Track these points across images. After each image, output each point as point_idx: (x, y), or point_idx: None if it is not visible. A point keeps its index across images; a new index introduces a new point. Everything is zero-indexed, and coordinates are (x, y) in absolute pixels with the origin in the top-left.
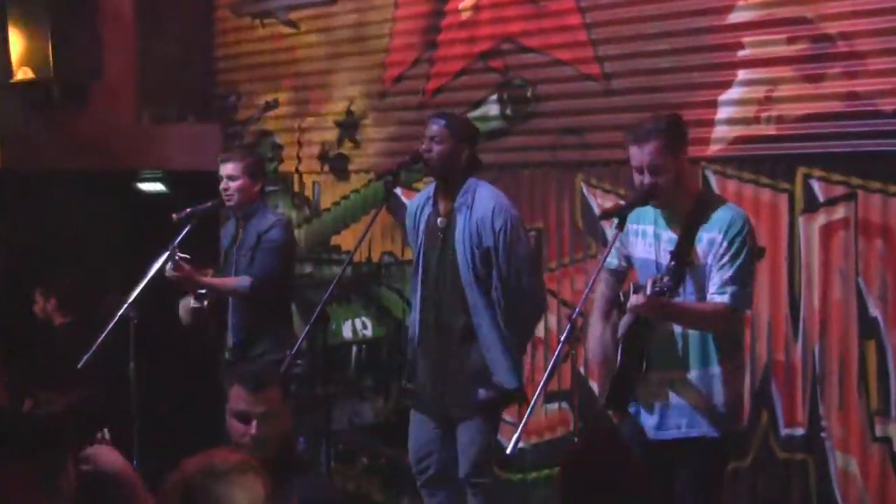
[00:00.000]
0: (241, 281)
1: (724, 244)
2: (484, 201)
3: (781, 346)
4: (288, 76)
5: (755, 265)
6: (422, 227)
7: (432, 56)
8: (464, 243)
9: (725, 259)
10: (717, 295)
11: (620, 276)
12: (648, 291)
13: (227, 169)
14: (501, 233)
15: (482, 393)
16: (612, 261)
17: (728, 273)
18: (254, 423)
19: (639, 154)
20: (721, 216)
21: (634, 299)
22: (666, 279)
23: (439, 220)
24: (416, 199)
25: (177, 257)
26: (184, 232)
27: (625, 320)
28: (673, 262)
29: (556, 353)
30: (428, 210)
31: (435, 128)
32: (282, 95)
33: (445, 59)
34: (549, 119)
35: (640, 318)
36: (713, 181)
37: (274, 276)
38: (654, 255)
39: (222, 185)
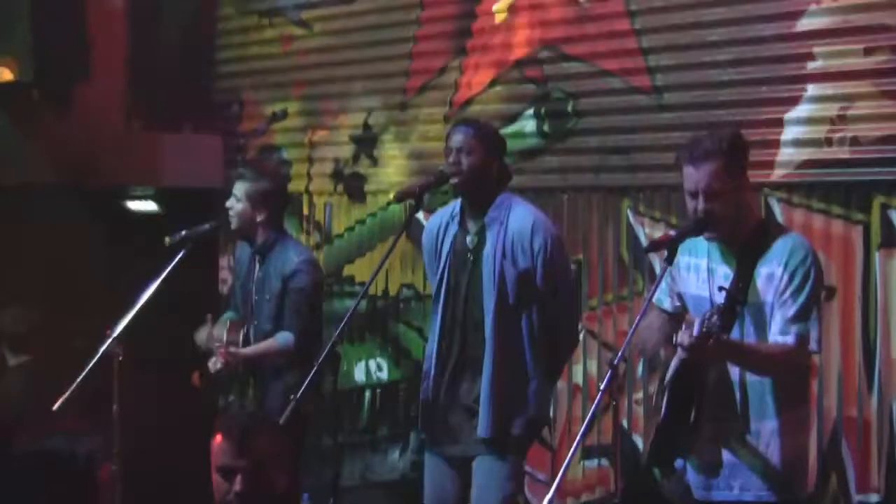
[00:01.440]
0: (284, 341)
1: (785, 278)
2: (520, 217)
3: (854, 400)
4: (298, 83)
5: (823, 302)
6: (446, 248)
7: (462, 63)
8: (493, 262)
9: (787, 295)
10: (780, 336)
11: (675, 318)
12: (695, 332)
13: (235, 187)
14: (541, 253)
15: (517, 426)
16: (663, 299)
17: (791, 310)
18: (238, 478)
19: (694, 176)
20: (782, 246)
21: (681, 337)
22: (714, 318)
23: (468, 238)
24: (438, 217)
25: (216, 346)
26: (178, 257)
27: (672, 363)
28: (724, 301)
29: (596, 402)
30: (454, 229)
31: (461, 137)
32: (291, 105)
33: (476, 67)
34: (592, 137)
35: (690, 360)
36: (777, 210)
37: (313, 325)
38: (709, 293)
39: (228, 203)
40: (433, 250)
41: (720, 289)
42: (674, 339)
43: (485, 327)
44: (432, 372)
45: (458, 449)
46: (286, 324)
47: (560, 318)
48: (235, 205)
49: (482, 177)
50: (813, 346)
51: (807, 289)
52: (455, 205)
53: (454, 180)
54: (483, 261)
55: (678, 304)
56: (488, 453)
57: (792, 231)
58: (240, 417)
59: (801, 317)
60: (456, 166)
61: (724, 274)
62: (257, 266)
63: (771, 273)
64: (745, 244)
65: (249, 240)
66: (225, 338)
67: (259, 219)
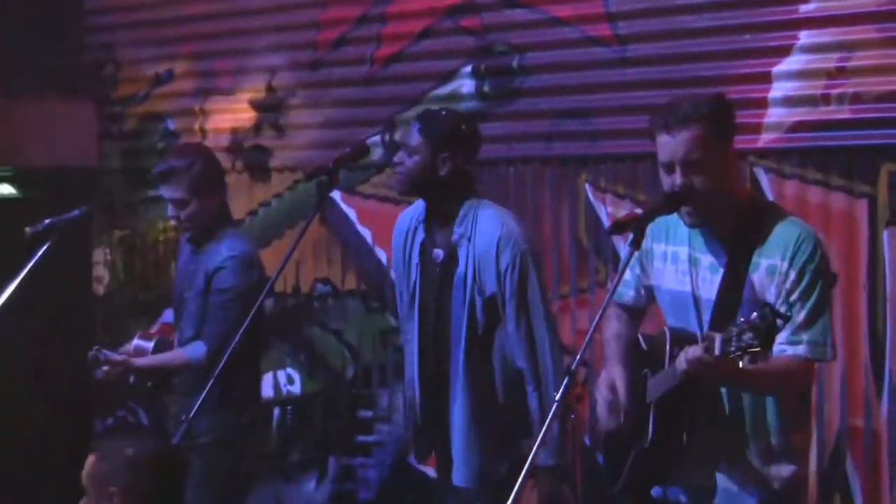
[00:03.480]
0: (193, 353)
1: (792, 275)
2: (486, 230)
3: (860, 408)
4: (186, 38)
5: (832, 298)
6: (415, 257)
7: (384, 12)
8: (462, 288)
9: (796, 295)
10: (790, 346)
11: (637, 313)
12: (717, 351)
13: (167, 191)
14: (508, 273)
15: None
16: (627, 292)
17: (801, 315)
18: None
19: (670, 145)
20: (783, 235)
21: (693, 356)
22: (748, 336)
23: (436, 251)
24: (407, 216)
25: (100, 356)
26: (41, 251)
27: (657, 381)
28: (756, 314)
29: (551, 414)
30: (421, 236)
31: (406, 132)
32: (178, 65)
33: (402, 16)
34: (542, 99)
35: (688, 380)
36: (765, 182)
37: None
38: (691, 287)
39: (170, 212)
40: (401, 256)
41: (764, 306)
42: (641, 344)
43: (451, 359)
44: (418, 399)
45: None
46: (204, 331)
47: (539, 351)
48: (182, 212)
49: (428, 181)
50: (829, 354)
51: (818, 289)
52: (419, 203)
53: (392, 181)
54: (454, 285)
55: (643, 298)
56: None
57: (791, 215)
58: (117, 436)
59: (812, 322)
60: (398, 165)
61: (711, 265)
62: (192, 258)
63: (772, 266)
64: (736, 229)
65: (197, 236)
66: (135, 343)
67: (214, 205)
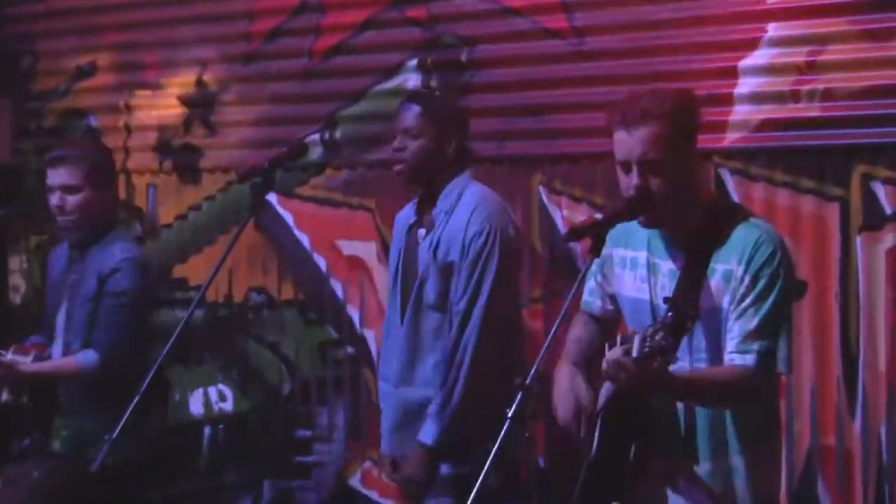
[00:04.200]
0: (85, 360)
1: (747, 280)
2: (464, 206)
3: (832, 425)
4: (110, 28)
5: (792, 308)
6: (401, 243)
7: (323, 1)
8: (427, 258)
9: (748, 301)
10: (738, 355)
11: (609, 324)
12: (635, 353)
13: (59, 176)
14: (473, 241)
15: (444, 469)
16: (594, 302)
17: (753, 322)
18: None
19: (627, 143)
20: (742, 238)
21: (611, 357)
22: (660, 336)
23: (419, 231)
24: (405, 211)
25: None
26: None
27: (605, 389)
28: (671, 312)
29: (502, 433)
30: (410, 221)
31: (407, 117)
32: (101, 57)
33: (343, 5)
34: (493, 94)
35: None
36: (731, 184)
37: (130, 342)
38: (649, 295)
39: (55, 201)
40: (395, 245)
41: (665, 300)
42: (607, 353)
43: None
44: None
45: None
46: (95, 337)
47: (476, 325)
48: (70, 198)
49: (433, 163)
50: (781, 366)
51: (774, 294)
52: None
53: (397, 168)
54: (420, 256)
55: (611, 308)
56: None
57: (755, 217)
58: (33, 463)
59: (765, 330)
60: (399, 152)
61: (670, 271)
62: (75, 266)
63: (728, 271)
64: (695, 233)
65: (79, 235)
66: (10, 358)
67: (104, 202)
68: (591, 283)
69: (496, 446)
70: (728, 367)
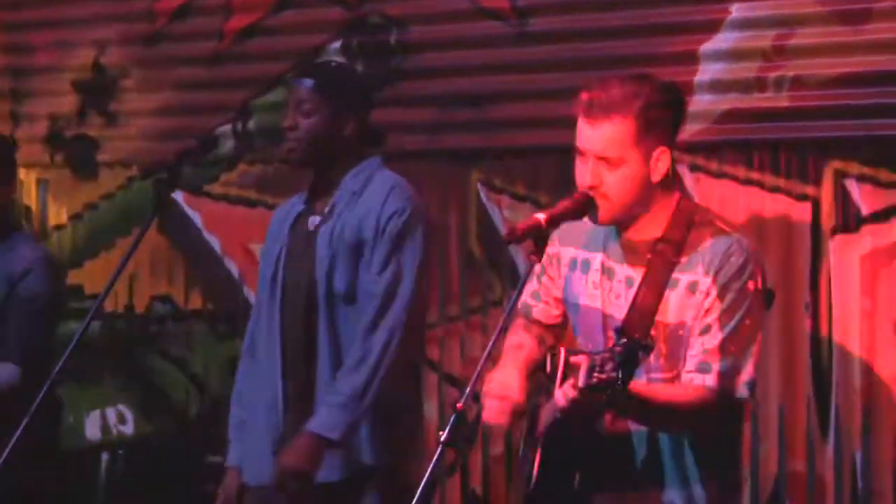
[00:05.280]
0: (5, 371)
1: (714, 292)
2: (378, 186)
3: (801, 450)
4: None
5: (760, 325)
6: (285, 233)
7: None
8: (325, 239)
9: (713, 317)
10: (697, 374)
11: (553, 332)
12: (581, 382)
13: None
14: (392, 218)
15: (326, 473)
16: (535, 306)
17: (717, 339)
18: None
19: (586, 132)
20: (711, 247)
21: (558, 392)
22: (609, 366)
23: (311, 218)
24: (285, 205)
25: None
26: None
27: (546, 409)
28: (623, 338)
29: (436, 457)
30: (298, 209)
31: (299, 92)
32: None
33: None
34: (426, 81)
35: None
36: (689, 181)
37: (45, 349)
38: (601, 303)
39: None
40: (272, 240)
41: (616, 330)
42: (547, 365)
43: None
44: (280, 405)
45: None
46: (9, 347)
47: (395, 306)
48: None
49: (329, 144)
50: (742, 390)
51: (742, 310)
52: (296, 198)
53: (287, 152)
54: (318, 243)
55: (555, 312)
56: None
57: (725, 225)
58: None
59: (728, 349)
60: (291, 132)
61: (627, 278)
62: None
63: (693, 283)
64: (659, 238)
65: None
66: None
67: (4, 198)
68: (533, 285)
69: (426, 477)
70: (685, 385)
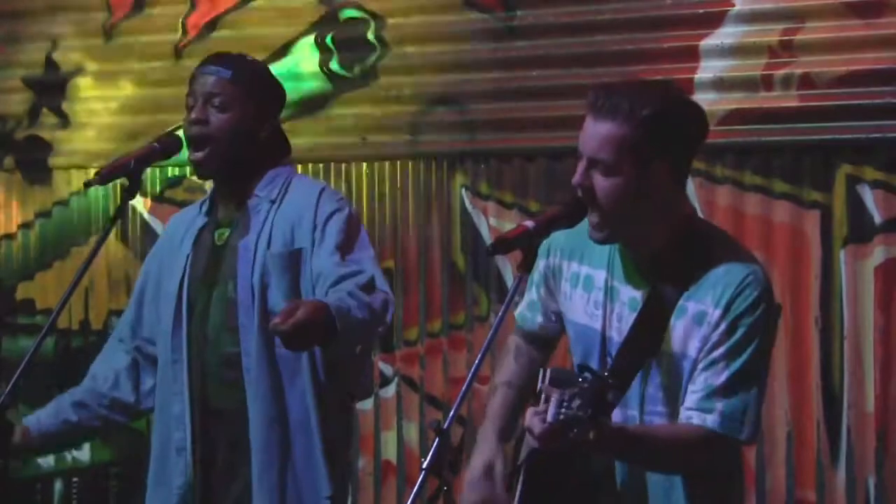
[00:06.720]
0: None
1: (723, 326)
2: (303, 191)
3: (811, 477)
4: None
5: (769, 364)
6: (186, 249)
7: None
8: (250, 254)
9: (720, 352)
10: (697, 413)
11: (551, 343)
12: (550, 416)
13: None
14: (332, 217)
15: None
16: (532, 317)
17: (722, 377)
18: None
19: (587, 132)
20: (724, 275)
21: (529, 419)
22: (577, 404)
23: (217, 232)
24: (182, 214)
25: None
26: None
27: (529, 439)
28: (590, 383)
29: (418, 484)
30: (200, 223)
31: (211, 82)
32: None
33: None
34: (406, 77)
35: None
36: (691, 188)
37: None
38: (601, 324)
39: None
40: (167, 255)
41: (581, 368)
42: (539, 385)
43: (243, 368)
44: (189, 457)
45: None
46: None
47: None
48: None
49: (244, 146)
50: (745, 433)
51: (751, 348)
52: (212, 191)
53: (195, 152)
54: (239, 256)
55: (553, 323)
56: None
57: (741, 250)
58: None
59: (733, 389)
60: (198, 126)
61: (631, 300)
62: None
63: (702, 313)
64: (667, 261)
65: None
66: None
67: None
68: (531, 295)
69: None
70: (684, 425)
